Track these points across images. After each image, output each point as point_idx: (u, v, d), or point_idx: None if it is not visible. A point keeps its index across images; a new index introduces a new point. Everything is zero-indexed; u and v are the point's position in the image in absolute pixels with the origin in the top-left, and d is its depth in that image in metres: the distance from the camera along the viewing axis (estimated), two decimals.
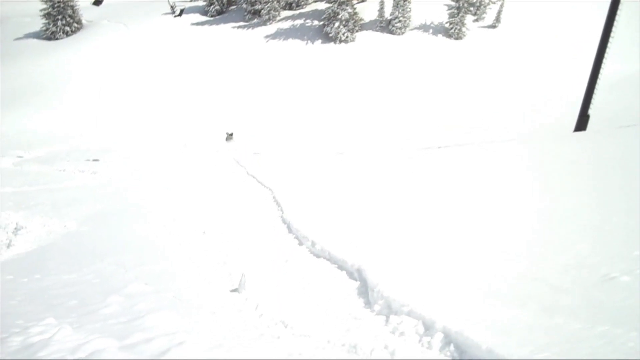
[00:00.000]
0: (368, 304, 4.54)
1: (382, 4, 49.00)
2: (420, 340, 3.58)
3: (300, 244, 7.12)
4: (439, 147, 15.83)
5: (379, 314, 4.24)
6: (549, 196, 6.69)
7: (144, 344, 3.48)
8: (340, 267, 5.65)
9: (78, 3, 55.60)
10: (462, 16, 46.45)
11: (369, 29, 50.16)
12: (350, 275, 5.33)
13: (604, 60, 15.12)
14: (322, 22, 50.32)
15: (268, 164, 18.16)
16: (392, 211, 7.68)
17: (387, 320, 4.04)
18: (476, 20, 48.97)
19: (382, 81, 42.13)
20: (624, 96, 24.58)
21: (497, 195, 7.46)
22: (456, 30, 46.76)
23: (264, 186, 12.79)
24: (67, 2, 53.78)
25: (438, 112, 34.09)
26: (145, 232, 9.34)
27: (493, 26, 47.60)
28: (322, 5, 52.06)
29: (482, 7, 48.87)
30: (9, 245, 9.42)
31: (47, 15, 53.48)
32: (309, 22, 52.81)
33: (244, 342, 3.75)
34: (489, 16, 48.62)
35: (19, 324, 4.24)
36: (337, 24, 47.87)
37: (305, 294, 5.14)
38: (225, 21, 56.06)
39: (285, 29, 52.35)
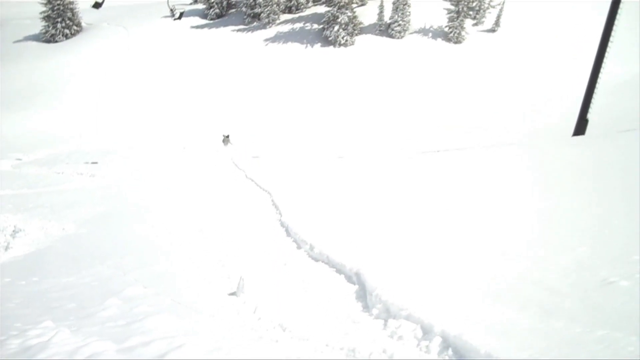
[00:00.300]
0: (366, 307, 4.54)
1: (381, 7, 49.09)
2: (418, 344, 3.57)
3: (299, 247, 7.11)
4: (438, 151, 15.82)
5: (377, 317, 4.24)
6: (548, 199, 6.68)
7: (143, 347, 3.47)
8: (339, 271, 5.64)
9: (78, 6, 55.62)
10: (462, 20, 46.54)
11: (369, 33, 50.23)
12: (349, 278, 5.33)
13: (604, 64, 15.10)
14: (321, 26, 50.41)
15: (267, 167, 18.15)
16: (391, 214, 7.68)
17: (385, 324, 4.03)
18: (475, 24, 49.06)
19: (381, 85, 42.16)
20: (624, 100, 24.58)
21: (497, 198, 7.45)
22: (455, 34, 46.84)
23: (263, 189, 12.78)
24: (67, 4, 53.85)
25: (437, 114, 34.11)
26: (144, 234, 9.34)
27: (492, 30, 47.68)
28: (322, 9, 52.21)
29: (481, 11, 48.98)
30: (7, 248, 9.42)
31: (46, 18, 53.54)
32: (308, 26, 52.89)
33: (243, 345, 3.74)
34: (489, 20, 48.71)
35: (17, 326, 4.23)
36: (336, 28, 47.95)
37: (303, 297, 5.13)
38: (225, 24, 56.14)
39: (285, 33, 52.41)
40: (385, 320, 4.08)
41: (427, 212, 7.36)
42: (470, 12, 48.47)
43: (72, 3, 54.61)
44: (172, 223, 10.11)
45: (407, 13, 48.43)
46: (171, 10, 58.80)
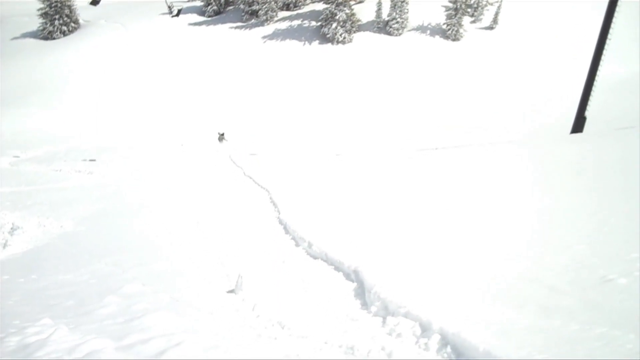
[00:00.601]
0: (365, 305, 4.53)
1: (379, 5, 49.09)
2: (417, 342, 3.57)
3: (297, 245, 7.12)
4: (437, 149, 15.82)
5: (376, 315, 4.24)
6: (547, 197, 6.69)
7: (141, 345, 3.47)
8: (337, 269, 5.64)
9: (75, 3, 55.60)
10: (460, 17, 46.57)
11: (367, 30, 50.23)
12: (347, 276, 5.33)
13: (601, 62, 15.12)
14: (319, 23, 50.40)
15: (265, 164, 18.14)
16: (390, 212, 7.68)
17: (384, 322, 4.03)
18: (473, 21, 49.11)
19: (379, 82, 42.17)
20: (622, 98, 24.64)
21: (496, 196, 7.46)
22: (453, 32, 46.86)
23: (261, 187, 12.78)
24: (65, 1, 53.81)
25: (437, 113, 34.14)
26: (143, 232, 9.33)
27: (491, 27, 47.72)
28: (320, 6, 52.15)
29: (479, 8, 49.02)
30: (5, 245, 9.40)
31: (44, 15, 53.49)
32: (306, 23, 52.86)
33: (242, 343, 3.74)
34: (487, 17, 48.77)
35: (15, 324, 4.22)
36: (334, 25, 47.94)
37: (302, 295, 5.14)
38: (223, 21, 56.09)
39: (283, 30, 52.39)
40: (384, 318, 4.08)
41: (426, 210, 7.37)
42: (468, 10, 48.54)
43: (69, 0, 54.46)
44: (170, 221, 10.11)
45: (405, 10, 48.45)
46: (169, 7, 58.94)
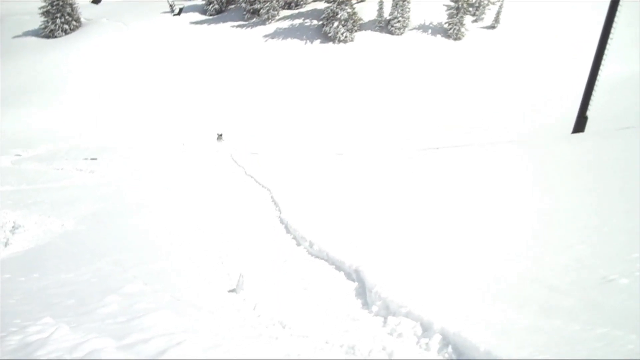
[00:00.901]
0: (366, 304, 4.53)
1: (381, 4, 49.06)
2: (418, 342, 3.57)
3: (298, 244, 7.12)
4: (437, 148, 15.82)
5: (377, 315, 4.24)
6: (548, 197, 6.69)
7: (142, 344, 3.47)
8: (338, 268, 5.64)
9: (77, 1, 55.70)
10: (461, 17, 46.54)
11: (368, 29, 50.21)
12: (348, 276, 5.33)
13: (603, 62, 15.11)
14: (321, 22, 50.39)
15: (266, 164, 18.15)
16: (391, 212, 7.68)
17: (385, 322, 4.03)
18: (475, 20, 49.06)
19: (381, 81, 42.15)
20: (623, 98, 24.60)
21: (497, 196, 7.46)
22: (455, 31, 46.82)
23: (262, 186, 12.79)
24: (66, 0, 53.71)
25: (437, 112, 34.13)
26: (144, 231, 9.34)
27: (492, 27, 47.67)
28: (321, 5, 52.15)
29: (481, 7, 48.97)
30: (6, 244, 9.40)
31: (46, 13, 53.51)
32: (308, 22, 52.84)
33: (242, 343, 3.74)
34: (488, 17, 48.73)
35: (16, 323, 4.22)
36: (336, 24, 47.91)
37: (303, 294, 5.13)
38: (224, 20, 56.08)
39: (284, 29, 52.38)
40: (385, 318, 4.08)
41: (427, 210, 7.37)
42: (470, 9, 48.48)
43: None
44: (171, 220, 10.11)
45: (407, 9, 48.43)
46: (170, 6, 58.95)
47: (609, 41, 14.85)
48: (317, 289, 5.21)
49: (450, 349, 3.33)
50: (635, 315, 3.04)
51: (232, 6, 59.05)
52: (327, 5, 49.20)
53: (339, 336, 3.92)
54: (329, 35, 48.88)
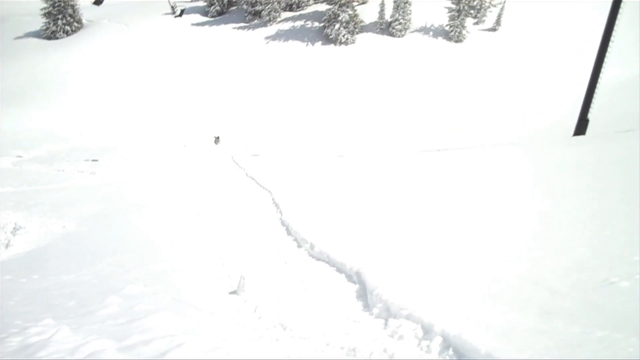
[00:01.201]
0: (367, 307, 4.53)
1: (382, 6, 49.08)
2: (419, 344, 3.57)
3: (299, 246, 7.12)
4: (439, 150, 15.83)
5: (377, 317, 4.23)
6: (549, 199, 6.68)
7: (143, 346, 3.47)
8: (339, 270, 5.63)
9: (79, 2, 55.74)
10: (463, 19, 46.55)
11: (369, 31, 50.22)
12: (349, 278, 5.32)
13: (604, 64, 15.09)
14: (322, 24, 50.42)
15: (267, 165, 18.16)
16: (392, 214, 7.68)
17: (386, 324, 4.03)
18: (476, 23, 49.07)
19: (382, 83, 42.16)
20: (624, 100, 24.57)
21: (498, 198, 7.45)
22: (456, 33, 46.83)
23: (263, 188, 12.79)
24: (68, 1, 53.93)
25: (438, 114, 34.14)
26: (145, 233, 9.34)
27: (493, 29, 47.68)
28: (323, 7, 52.21)
29: (482, 10, 48.98)
30: (7, 246, 9.41)
31: (47, 15, 53.59)
32: (309, 24, 52.88)
33: (243, 344, 3.74)
34: (490, 19, 48.73)
35: (17, 324, 4.23)
36: (337, 26, 47.94)
37: (304, 296, 5.13)
38: (226, 22, 56.15)
39: (286, 30, 52.42)
40: (386, 320, 4.08)
41: (427, 212, 7.36)
42: (471, 11, 48.48)
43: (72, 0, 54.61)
44: (172, 222, 10.12)
45: (408, 11, 48.45)
46: (172, 7, 59.02)
47: (610, 43, 14.84)
48: (318, 291, 5.21)
49: (451, 351, 3.33)
50: (636, 318, 3.04)
51: (234, 8, 59.14)
52: (328, 7, 49.26)
53: (339, 338, 3.92)
54: (330, 37, 48.90)
